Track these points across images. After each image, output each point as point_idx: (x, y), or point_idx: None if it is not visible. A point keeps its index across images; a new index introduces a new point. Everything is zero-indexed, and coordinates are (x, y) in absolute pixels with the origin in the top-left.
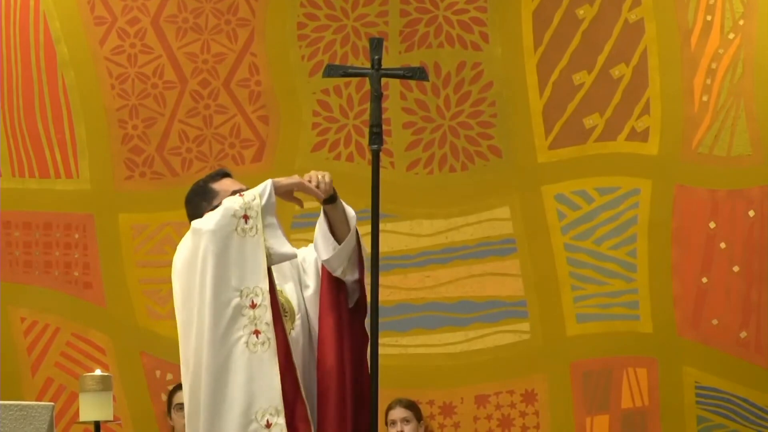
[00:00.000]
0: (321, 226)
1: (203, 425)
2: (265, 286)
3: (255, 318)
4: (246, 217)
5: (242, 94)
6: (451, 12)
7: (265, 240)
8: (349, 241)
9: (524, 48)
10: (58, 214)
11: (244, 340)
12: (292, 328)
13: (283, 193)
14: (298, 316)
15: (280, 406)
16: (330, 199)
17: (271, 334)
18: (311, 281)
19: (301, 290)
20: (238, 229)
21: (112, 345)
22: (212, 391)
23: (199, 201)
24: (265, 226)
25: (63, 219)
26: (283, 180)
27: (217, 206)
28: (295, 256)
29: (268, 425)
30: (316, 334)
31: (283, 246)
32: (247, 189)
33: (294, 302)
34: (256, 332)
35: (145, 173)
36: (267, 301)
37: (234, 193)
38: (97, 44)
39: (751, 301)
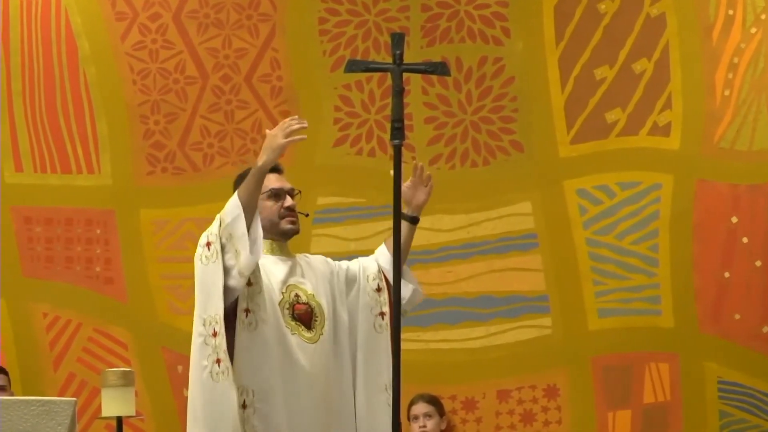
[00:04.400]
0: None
1: None
2: (221, 312)
3: (216, 347)
4: (209, 244)
5: (264, 90)
6: (473, 7)
7: (233, 253)
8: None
9: (546, 43)
10: (79, 210)
11: (208, 369)
12: (321, 334)
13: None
14: (327, 322)
15: None
16: (414, 220)
17: (229, 362)
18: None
19: (337, 297)
20: (203, 257)
21: (134, 340)
22: (190, 422)
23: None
24: (225, 244)
25: (84, 214)
26: (266, 157)
27: None
28: (253, 263)
29: None
30: (346, 341)
31: (245, 257)
32: (290, 190)
33: (325, 308)
34: (218, 361)
35: (166, 168)
36: (222, 329)
37: (272, 191)
38: (118, 40)
39: None
